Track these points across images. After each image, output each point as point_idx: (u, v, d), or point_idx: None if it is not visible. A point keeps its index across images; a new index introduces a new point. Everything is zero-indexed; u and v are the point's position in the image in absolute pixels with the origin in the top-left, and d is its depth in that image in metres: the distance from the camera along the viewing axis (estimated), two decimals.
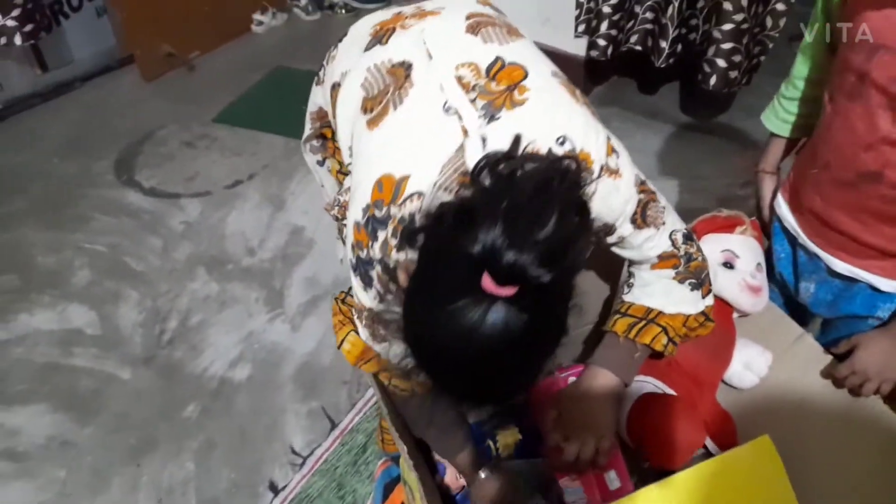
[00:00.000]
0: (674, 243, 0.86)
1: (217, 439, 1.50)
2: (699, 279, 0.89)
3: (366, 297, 0.79)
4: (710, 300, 0.91)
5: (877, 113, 0.80)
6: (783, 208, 1.03)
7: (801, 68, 1.01)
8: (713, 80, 2.20)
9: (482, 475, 1.01)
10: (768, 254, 1.11)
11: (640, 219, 0.81)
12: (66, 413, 1.54)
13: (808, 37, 0.97)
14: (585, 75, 2.55)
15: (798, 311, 1.08)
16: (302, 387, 1.61)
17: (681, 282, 0.88)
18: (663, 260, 0.87)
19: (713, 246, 1.02)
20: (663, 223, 0.84)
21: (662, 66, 2.30)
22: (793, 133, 1.06)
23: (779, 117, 1.06)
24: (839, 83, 0.86)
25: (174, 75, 2.76)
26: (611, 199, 0.75)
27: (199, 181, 2.23)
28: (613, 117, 2.53)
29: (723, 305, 1.05)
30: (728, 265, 1.01)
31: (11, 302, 1.79)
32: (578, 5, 2.31)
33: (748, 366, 1.04)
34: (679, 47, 2.30)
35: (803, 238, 0.99)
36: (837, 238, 0.93)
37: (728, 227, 1.05)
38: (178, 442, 1.49)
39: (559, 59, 0.87)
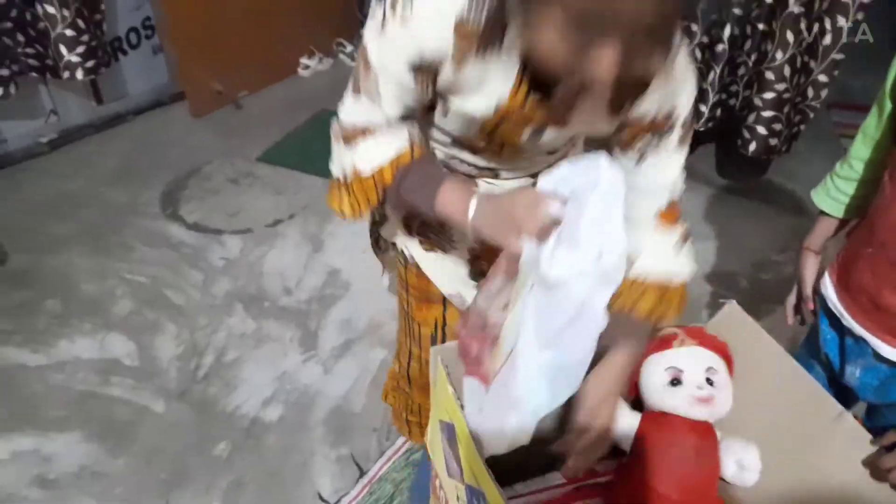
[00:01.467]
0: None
1: (246, 479, 1.50)
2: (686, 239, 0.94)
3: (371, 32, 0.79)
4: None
5: None
6: (829, 289, 1.02)
7: (860, 148, 1.01)
8: (753, 147, 2.21)
9: (474, 200, 0.83)
10: (814, 333, 1.10)
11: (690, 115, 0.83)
12: (100, 443, 1.56)
13: (872, 119, 0.98)
14: None
15: (842, 394, 1.06)
16: (332, 431, 1.61)
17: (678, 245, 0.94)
18: (670, 208, 0.90)
19: (656, 366, 0.99)
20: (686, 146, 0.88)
21: (701, 129, 2.33)
22: (844, 213, 1.06)
23: (830, 196, 1.06)
24: None
25: (222, 113, 2.86)
26: (687, 67, 0.80)
27: (240, 218, 2.28)
28: None
29: None
30: (675, 382, 0.99)
31: (54, 327, 1.84)
32: None
33: (740, 464, 1.02)
34: (719, 112, 2.34)
35: (849, 320, 0.98)
36: (887, 320, 0.92)
37: (666, 344, 1.03)
38: (207, 479, 1.50)
39: None
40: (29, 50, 2.30)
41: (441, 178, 0.87)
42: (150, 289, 1.98)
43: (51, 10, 2.20)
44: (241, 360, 1.78)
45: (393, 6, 0.74)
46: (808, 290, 1.11)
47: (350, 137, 0.90)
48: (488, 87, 0.79)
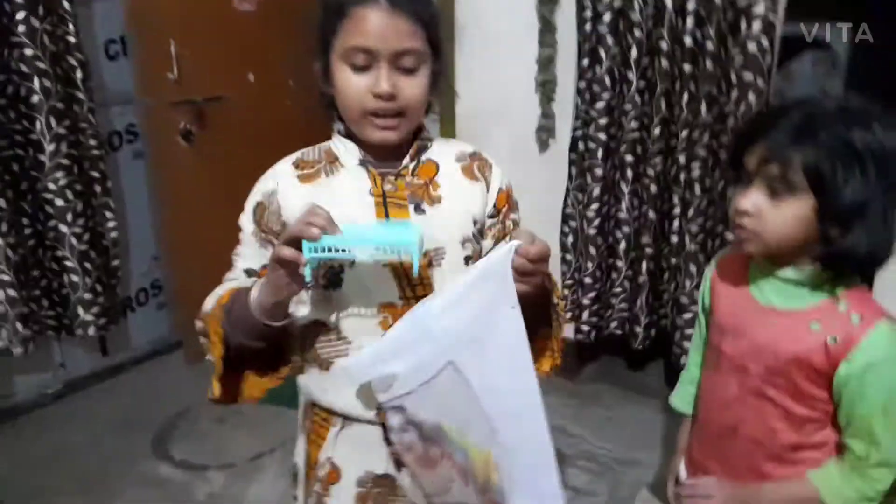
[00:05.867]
0: None
1: None
2: None
3: None
4: None
5: (728, 380, 1.08)
6: (682, 471, 1.23)
7: (693, 355, 1.29)
8: (684, 361, 2.49)
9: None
10: None
11: None
12: None
13: (696, 330, 1.28)
14: (576, 354, 2.87)
15: None
16: None
17: None
18: None
19: None
20: None
21: (640, 347, 2.63)
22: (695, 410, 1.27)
23: (678, 395, 1.31)
24: (707, 357, 1.17)
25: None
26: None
27: (225, 454, 2.44)
28: (604, 393, 2.78)
29: None
30: None
31: None
32: (563, 297, 2.73)
33: None
34: (653, 331, 2.66)
35: None
36: None
37: None
38: None
39: None
40: (50, 312, 2.64)
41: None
42: None
43: (75, 279, 2.58)
44: None
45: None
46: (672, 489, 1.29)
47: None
48: (350, 195, 1.00)
